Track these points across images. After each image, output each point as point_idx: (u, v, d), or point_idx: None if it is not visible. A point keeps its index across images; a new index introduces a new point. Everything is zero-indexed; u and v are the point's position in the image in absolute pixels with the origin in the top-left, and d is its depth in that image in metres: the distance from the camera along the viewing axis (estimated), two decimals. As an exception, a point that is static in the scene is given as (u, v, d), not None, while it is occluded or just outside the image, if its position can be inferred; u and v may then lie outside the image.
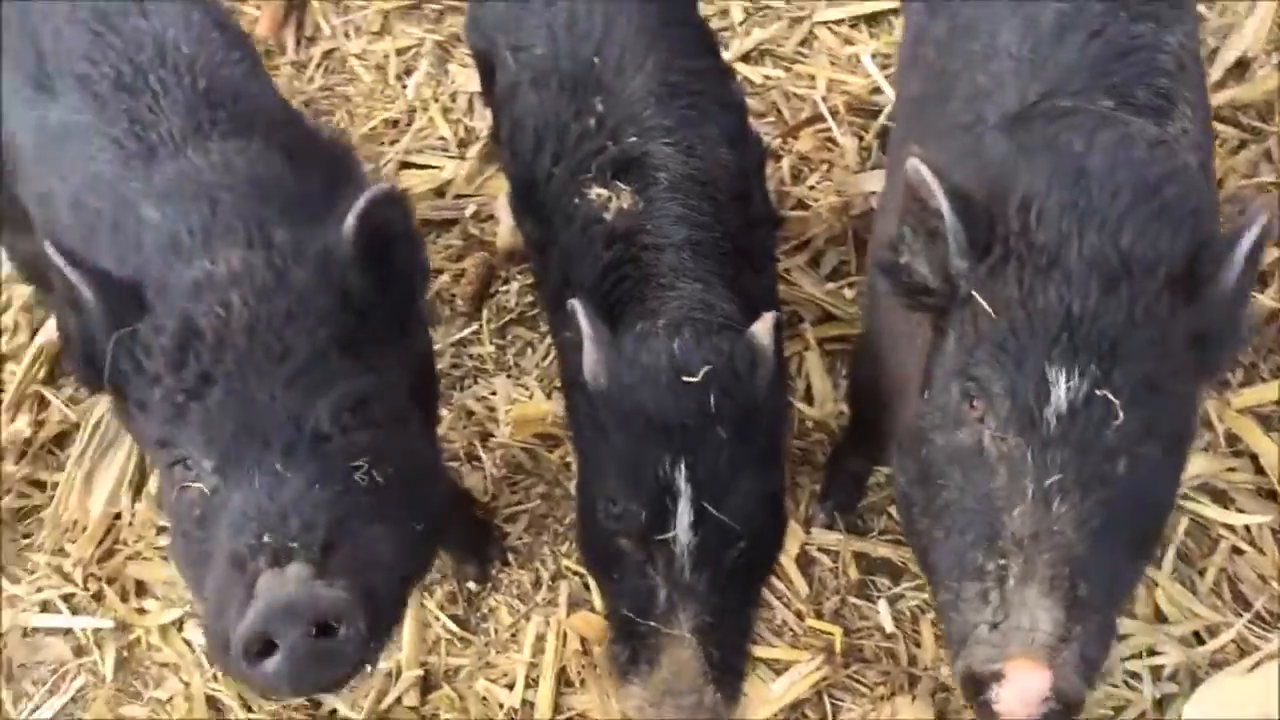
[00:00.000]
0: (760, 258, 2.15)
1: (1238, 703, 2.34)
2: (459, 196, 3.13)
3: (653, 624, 1.72)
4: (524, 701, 2.50)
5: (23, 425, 2.84)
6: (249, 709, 2.49)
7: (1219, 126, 2.81)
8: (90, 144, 1.94)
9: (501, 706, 2.49)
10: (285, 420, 1.58)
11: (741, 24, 3.42)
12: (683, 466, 1.69)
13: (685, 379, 1.72)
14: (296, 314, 1.64)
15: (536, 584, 2.64)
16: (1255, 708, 2.32)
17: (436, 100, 3.30)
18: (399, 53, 3.40)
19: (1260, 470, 2.52)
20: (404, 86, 3.35)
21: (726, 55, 3.26)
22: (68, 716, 2.55)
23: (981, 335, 1.58)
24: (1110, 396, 1.50)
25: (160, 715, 2.51)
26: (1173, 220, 1.59)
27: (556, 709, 2.48)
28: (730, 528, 1.71)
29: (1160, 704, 2.37)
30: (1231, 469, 2.53)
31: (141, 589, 2.68)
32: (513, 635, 2.58)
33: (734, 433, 1.72)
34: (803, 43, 3.37)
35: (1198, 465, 2.52)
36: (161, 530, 2.69)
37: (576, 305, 1.83)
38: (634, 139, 2.07)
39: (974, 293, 1.59)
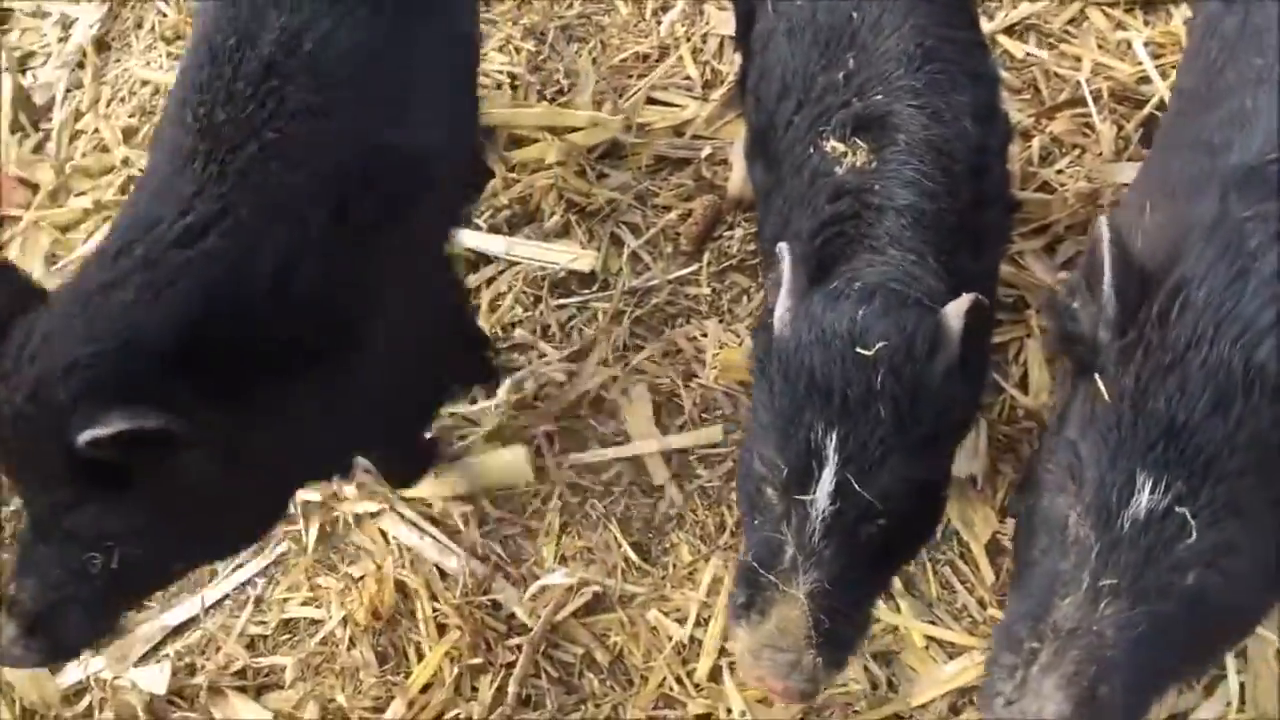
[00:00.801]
0: (985, 239, 2.07)
1: None
2: (696, 137, 3.15)
3: (773, 577, 1.74)
4: (691, 638, 2.54)
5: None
6: (435, 599, 2.61)
7: None
8: None
9: (670, 639, 2.54)
10: None
11: (1009, -4, 3.32)
12: (834, 436, 1.69)
13: (859, 350, 1.70)
14: None
15: (721, 527, 2.66)
16: None
17: (688, 40, 3.32)
18: (661, -12, 3.44)
19: None
20: (659, 23, 3.38)
21: (990, 26, 3.19)
22: (267, 577, 2.73)
23: (1096, 414, 1.57)
24: (1188, 515, 1.48)
25: (351, 590, 2.65)
26: None
27: (721, 651, 2.52)
28: (870, 504, 1.70)
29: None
30: None
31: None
32: (690, 573, 2.62)
33: (894, 413, 1.69)
34: (1071, 21, 3.24)
35: None
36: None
37: (783, 249, 1.83)
38: (879, 97, 2.03)
39: (1102, 370, 1.57)
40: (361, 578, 2.66)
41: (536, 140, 3.18)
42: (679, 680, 2.50)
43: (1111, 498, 1.52)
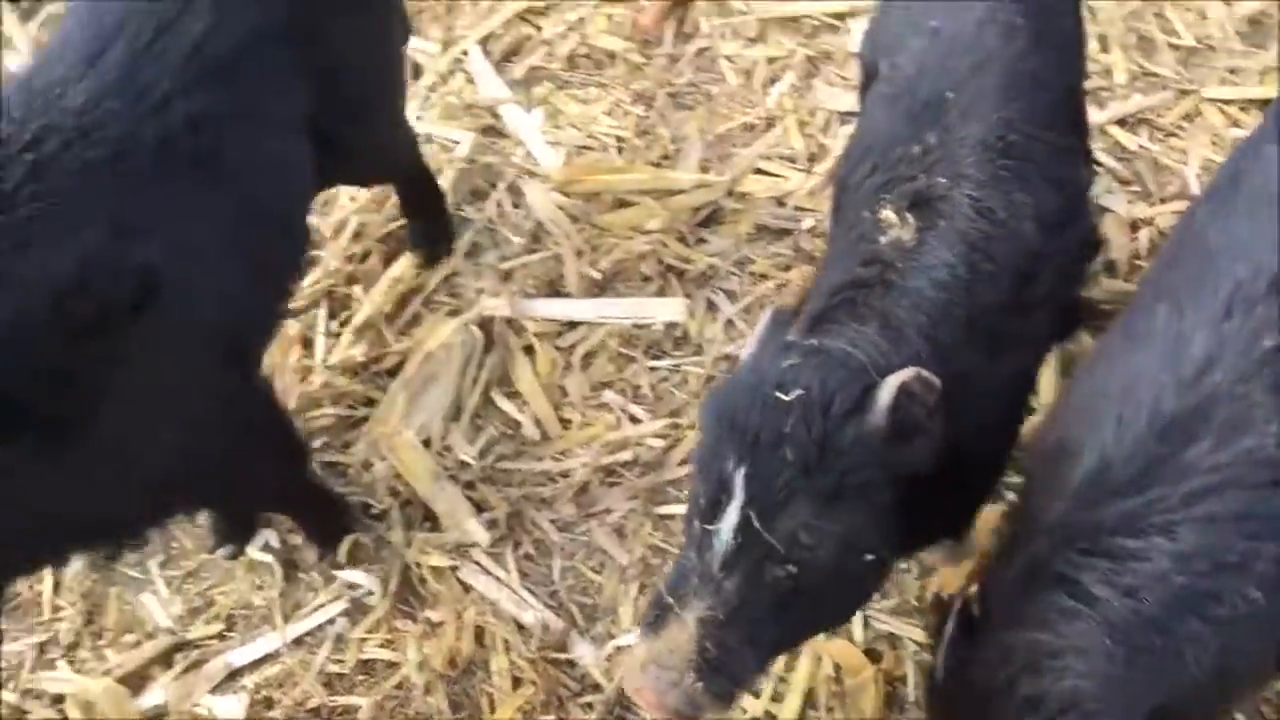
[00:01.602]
0: (1006, 342, 2.03)
1: None
2: (798, 209, 3.17)
3: (671, 599, 1.78)
4: (767, 713, 2.52)
5: (357, 353, 3.07)
6: (510, 651, 2.62)
7: None
8: None
9: (744, 712, 2.51)
10: None
11: (1123, 87, 3.30)
12: (742, 471, 1.74)
13: (778, 394, 1.76)
14: None
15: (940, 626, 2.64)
16: None
17: (795, 112, 3.35)
18: (769, 61, 3.47)
19: None
20: (767, 94, 3.42)
21: (1101, 116, 3.18)
22: (348, 617, 2.75)
23: None
24: None
25: (429, 636, 2.68)
26: None
27: (798, 731, 2.49)
28: (772, 547, 1.73)
29: None
30: None
31: (429, 515, 2.85)
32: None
33: (800, 459, 1.73)
34: (1185, 117, 3.22)
35: None
36: (464, 465, 2.88)
37: (765, 312, 1.96)
38: (943, 180, 2.05)
39: None
40: (440, 624, 2.69)
41: (636, 205, 3.23)
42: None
43: None
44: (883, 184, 2.11)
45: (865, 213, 2.10)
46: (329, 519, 2.82)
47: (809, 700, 2.51)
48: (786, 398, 1.76)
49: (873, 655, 2.53)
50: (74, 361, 2.01)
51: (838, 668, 2.52)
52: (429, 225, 3.20)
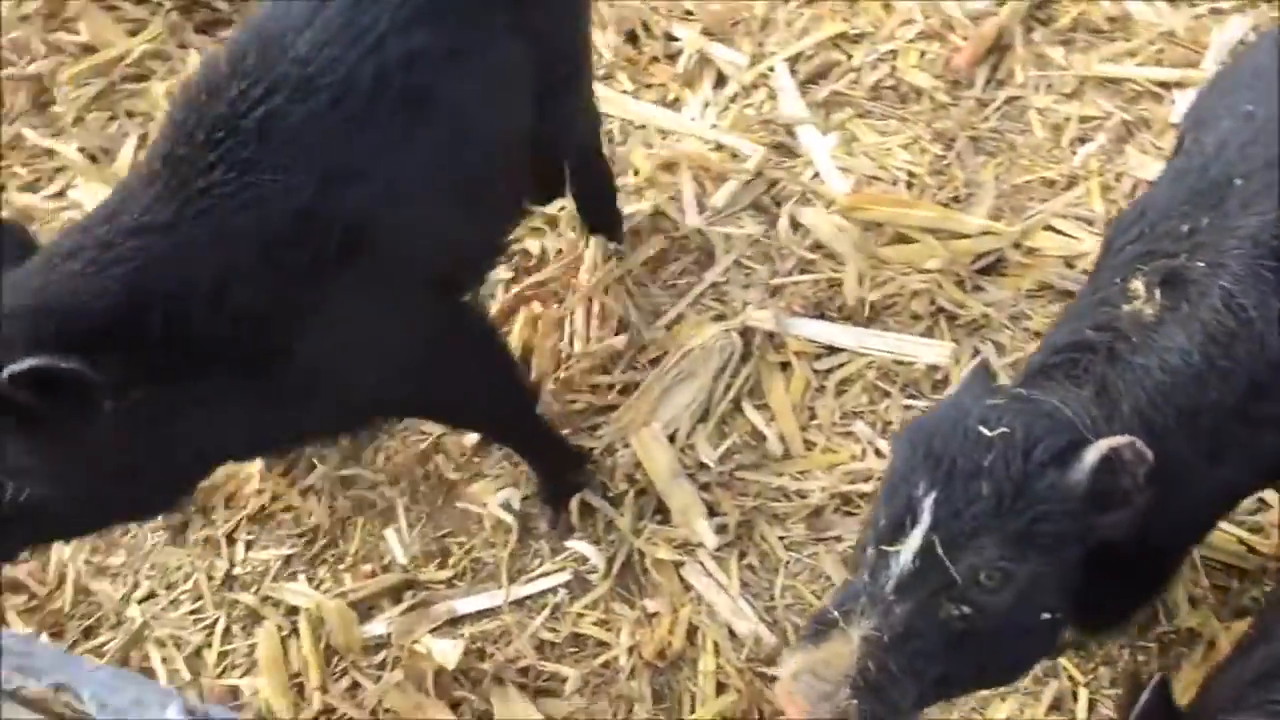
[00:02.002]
0: (1224, 446, 1.95)
1: None
2: (1086, 272, 3.07)
3: (838, 614, 1.76)
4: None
5: (618, 343, 3.14)
6: (719, 655, 2.64)
7: None
8: None
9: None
10: None
11: None
12: (932, 497, 1.73)
13: (981, 428, 1.76)
14: None
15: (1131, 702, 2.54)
16: None
17: (1101, 175, 3.26)
18: (1081, 120, 3.38)
19: None
20: (1074, 152, 3.33)
21: None
22: (569, 589, 2.83)
23: None
24: None
25: (644, 624, 2.73)
26: None
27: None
28: (953, 581, 1.71)
29: None
30: None
31: (661, 509, 2.90)
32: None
33: (995, 495, 1.71)
34: None
35: None
36: (703, 466, 2.91)
37: (981, 355, 2.03)
38: (1201, 264, 1.97)
39: None
40: (655, 615, 2.73)
41: (918, 242, 3.20)
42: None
43: None
44: (1141, 254, 2.05)
45: (1117, 279, 2.05)
46: (561, 466, 2.91)
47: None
48: (989, 433, 1.77)
49: None
50: (283, 301, 2.19)
51: None
52: (599, 210, 3.25)
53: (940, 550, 1.73)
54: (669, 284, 3.28)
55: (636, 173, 3.51)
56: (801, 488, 2.88)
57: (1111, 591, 2.00)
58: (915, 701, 1.82)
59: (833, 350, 3.08)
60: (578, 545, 2.86)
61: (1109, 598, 2.03)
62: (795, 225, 3.31)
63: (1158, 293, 1.98)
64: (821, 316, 3.13)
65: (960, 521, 1.73)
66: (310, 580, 2.91)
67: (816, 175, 3.41)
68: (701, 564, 2.80)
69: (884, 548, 1.77)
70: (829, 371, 3.05)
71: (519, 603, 2.83)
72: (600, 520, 2.89)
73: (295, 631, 2.82)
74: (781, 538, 2.82)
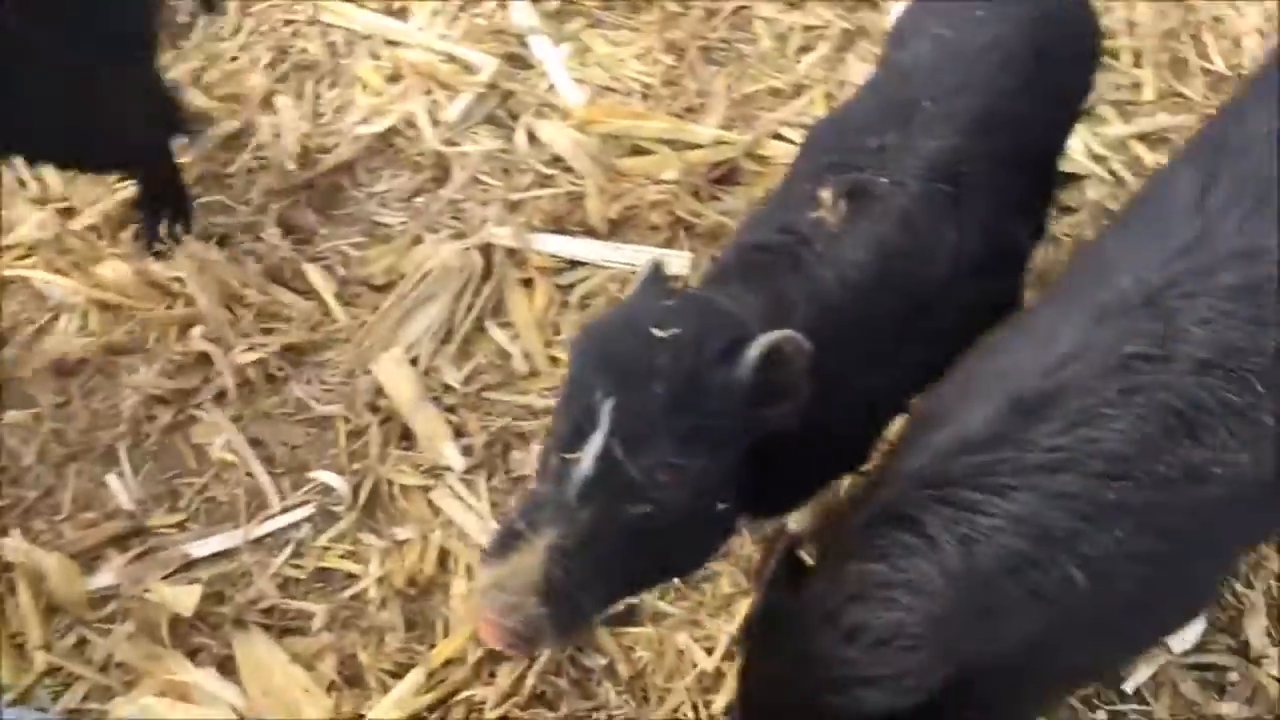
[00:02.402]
0: (886, 360, 2.04)
1: None
2: (815, 180, 3.15)
3: (524, 524, 1.76)
4: (717, 670, 2.51)
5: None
6: (472, 578, 2.60)
7: None
8: None
9: (695, 666, 2.51)
10: None
11: (1151, 103, 3.29)
12: (610, 402, 1.73)
13: (654, 329, 1.77)
14: None
15: (764, 563, 2.64)
16: None
17: (825, 83, 3.33)
18: (805, 29, 3.45)
19: None
20: (799, 61, 3.39)
21: (1125, 129, 3.19)
22: (312, 524, 2.72)
23: None
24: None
25: (393, 553, 2.66)
26: None
27: (744, 694, 2.49)
28: (634, 483, 1.72)
29: None
30: None
31: (407, 434, 2.83)
32: (727, 604, 2.59)
33: (669, 395, 1.73)
34: (1209, 140, 3.21)
35: None
36: (448, 389, 2.85)
37: (647, 263, 1.94)
38: (885, 181, 2.05)
39: None
40: (405, 542, 2.67)
41: (654, 153, 3.19)
42: (695, 708, 2.47)
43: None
44: (834, 164, 2.11)
45: (807, 185, 2.10)
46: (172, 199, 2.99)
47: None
48: (662, 334, 1.77)
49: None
50: None
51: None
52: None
53: (620, 453, 1.73)
54: (404, 202, 3.17)
55: (365, 87, 3.37)
56: (548, 405, 2.85)
57: (784, 480, 2.05)
58: (602, 602, 1.84)
59: (575, 264, 3.06)
60: (322, 475, 2.76)
61: (781, 486, 2.08)
62: (532, 139, 3.25)
63: (843, 204, 2.04)
64: (562, 231, 3.10)
65: (637, 423, 1.73)
66: (25, 534, 2.70)
67: (551, 88, 3.35)
68: (450, 488, 2.75)
69: (566, 455, 1.76)
70: (571, 286, 3.03)
71: (259, 541, 2.70)
72: (343, 445, 2.79)
73: (12, 589, 2.61)
74: (524, 456, 2.79)
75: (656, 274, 1.95)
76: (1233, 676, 2.40)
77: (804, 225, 2.04)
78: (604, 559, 1.77)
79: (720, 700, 2.46)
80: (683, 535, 1.86)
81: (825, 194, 2.06)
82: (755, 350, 1.78)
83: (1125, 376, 1.71)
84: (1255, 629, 2.40)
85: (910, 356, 2.05)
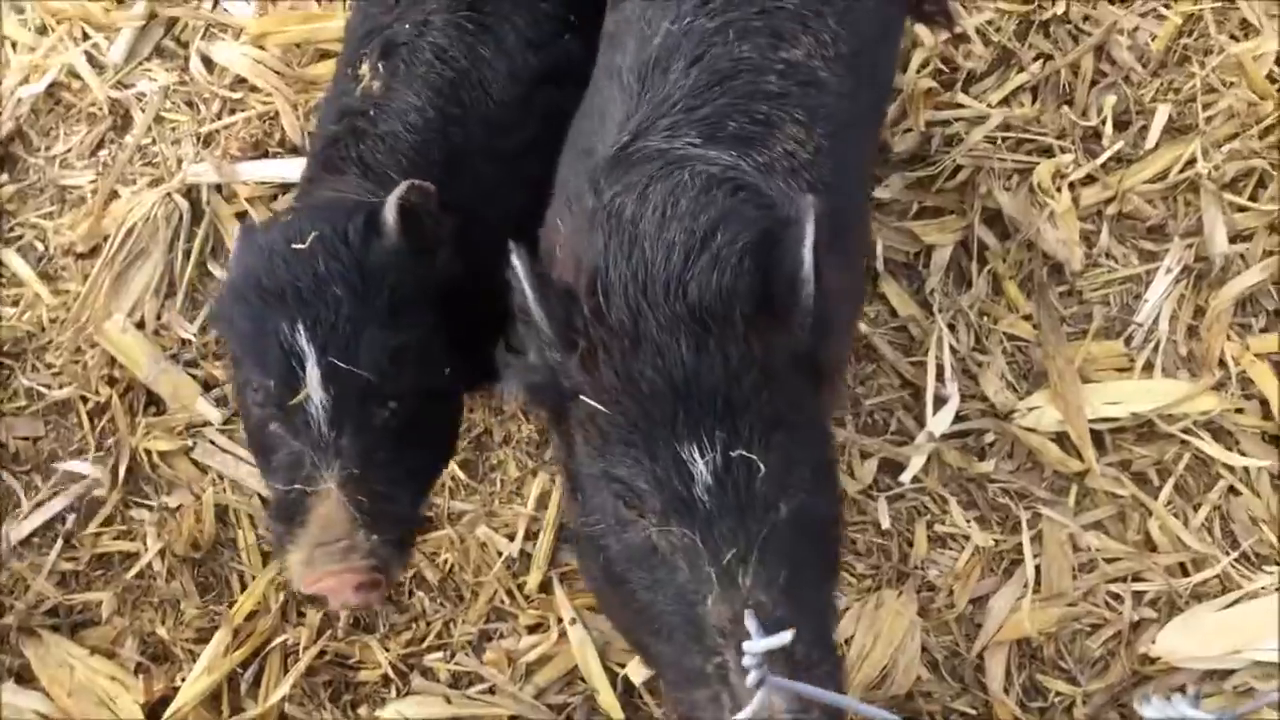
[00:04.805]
0: (488, 184, 2.09)
1: (1211, 636, 2.41)
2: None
3: (300, 487, 1.75)
4: (522, 552, 2.57)
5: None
6: (257, 526, 2.56)
7: (1278, 71, 2.78)
8: None
9: (500, 554, 2.55)
10: None
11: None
12: (302, 327, 1.74)
13: (295, 246, 1.78)
14: None
15: (545, 440, 2.69)
16: (1226, 642, 2.39)
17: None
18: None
19: (1268, 415, 2.56)
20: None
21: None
22: (76, 513, 2.62)
23: (605, 433, 1.52)
24: (745, 453, 1.47)
25: (168, 521, 2.58)
26: (730, 264, 1.54)
27: (553, 562, 2.55)
28: (368, 383, 1.75)
29: (1136, 627, 2.44)
30: (1239, 410, 2.56)
31: (153, 399, 2.73)
32: (518, 488, 2.64)
33: (349, 291, 1.76)
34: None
35: (1207, 402, 2.56)
36: (185, 343, 2.75)
37: (238, 229, 1.99)
38: (408, 26, 2.09)
39: (580, 389, 1.53)
40: (179, 508, 2.59)
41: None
42: (509, 594, 2.53)
43: (676, 485, 1.47)
44: (364, 36, 2.13)
45: (348, 70, 2.12)
46: None
47: (561, 534, 2.57)
48: (304, 245, 1.77)
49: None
50: None
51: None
52: None
53: (342, 365, 1.73)
54: (88, 159, 2.97)
55: (15, 45, 3.11)
56: (293, 334, 2.79)
57: (484, 336, 2.08)
58: (411, 505, 1.87)
59: (287, 186, 2.95)
60: (72, 465, 2.64)
61: (485, 343, 2.11)
62: (209, 65, 3.08)
63: (380, 66, 2.07)
64: (265, 155, 2.97)
65: (338, 330, 1.74)
66: None
67: (216, 5, 3.16)
68: (212, 442, 2.67)
69: (292, 404, 1.73)
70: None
71: (26, 544, 2.59)
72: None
73: None
74: (286, 390, 2.73)
75: (246, 231, 1.91)
76: (989, 437, 2.60)
77: (354, 103, 2.06)
78: (384, 466, 1.77)
79: (533, 579, 2.52)
80: (431, 412, 1.89)
81: (363, 67, 2.08)
82: (389, 212, 1.81)
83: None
84: (993, 387, 2.60)
85: (523, 171, 2.03)
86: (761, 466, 1.47)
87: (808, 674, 1.42)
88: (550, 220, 1.83)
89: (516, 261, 1.54)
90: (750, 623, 1.21)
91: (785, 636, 1.16)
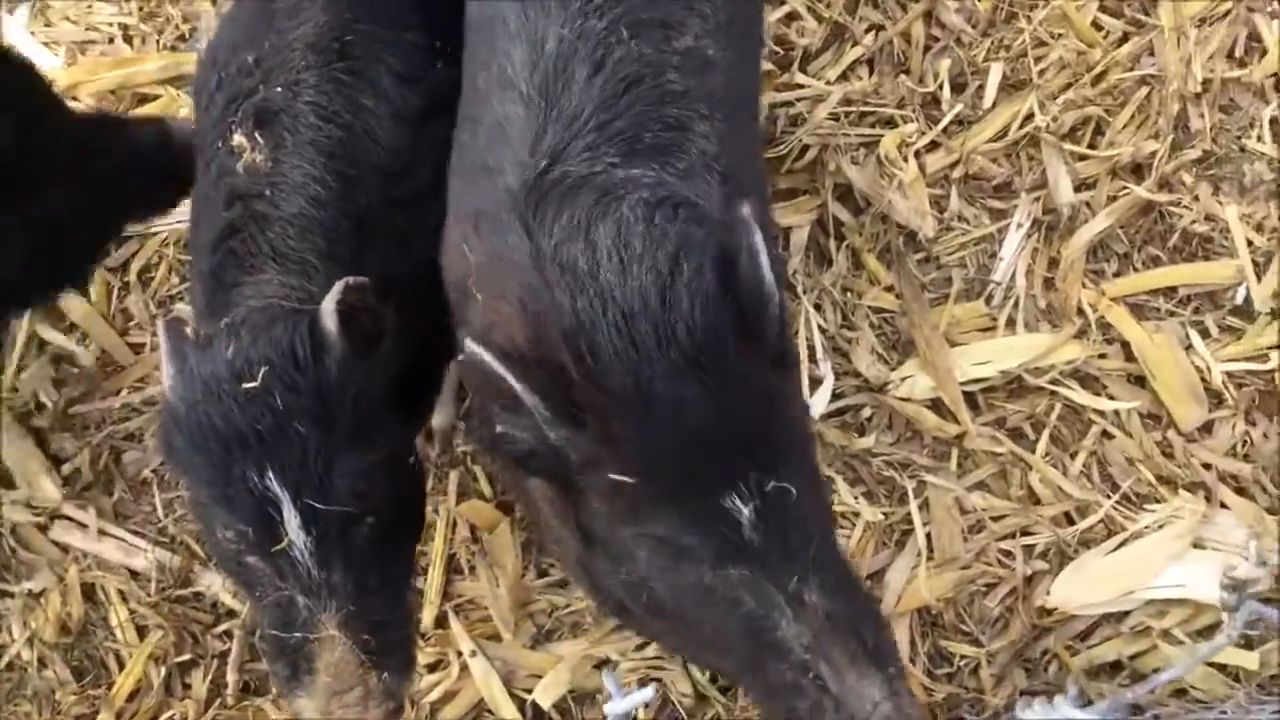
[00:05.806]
0: (402, 235, 1.98)
1: (1103, 580, 2.46)
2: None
3: (300, 634, 1.69)
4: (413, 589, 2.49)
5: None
6: (128, 601, 2.44)
7: (1103, 18, 2.84)
8: None
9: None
10: None
11: None
12: (272, 473, 1.64)
13: (245, 385, 1.65)
14: None
15: (440, 479, 2.62)
16: (1119, 585, 2.44)
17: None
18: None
19: (1130, 357, 2.61)
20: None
21: None
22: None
23: (635, 500, 1.48)
24: (779, 484, 1.47)
25: (33, 608, 2.45)
26: (707, 296, 1.51)
27: (445, 595, 2.49)
28: (345, 513, 1.68)
29: (1030, 581, 2.47)
30: (1103, 355, 2.61)
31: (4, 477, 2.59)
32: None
33: (313, 423, 1.66)
34: None
35: (1070, 351, 2.60)
36: (41, 407, 2.61)
37: (160, 324, 1.77)
38: (279, 90, 1.92)
39: (598, 463, 1.48)
40: (42, 593, 2.46)
41: (159, 95, 2.95)
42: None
43: (725, 533, 1.45)
44: (226, 103, 1.94)
45: (219, 143, 1.93)
46: None
47: (451, 565, 2.51)
48: (255, 383, 1.64)
49: (504, 508, 2.55)
50: None
51: (473, 528, 2.53)
52: None
53: (320, 505, 1.64)
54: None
55: None
56: (147, 395, 2.67)
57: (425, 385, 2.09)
58: (404, 618, 1.81)
59: (123, 238, 2.82)
60: (-83, 565, 2.49)
61: (425, 391, 2.12)
62: (22, 122, 2.92)
63: (258, 136, 1.89)
64: (92, 209, 2.83)
65: (311, 469, 1.64)
66: None
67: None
68: (70, 518, 2.55)
69: (272, 551, 1.65)
70: (125, 265, 2.79)
71: (-122, 653, 2.43)
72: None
73: None
74: (145, 454, 2.62)
75: (172, 332, 1.76)
76: (866, 412, 2.61)
77: (243, 183, 1.88)
78: (377, 591, 1.72)
79: (427, 615, 2.46)
80: (405, 507, 1.83)
81: (238, 138, 1.90)
82: (328, 321, 1.69)
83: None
84: (864, 362, 2.61)
85: (427, 215, 1.92)
86: (793, 491, 1.47)
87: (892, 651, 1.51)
88: (453, 243, 1.74)
89: (480, 352, 1.47)
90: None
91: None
